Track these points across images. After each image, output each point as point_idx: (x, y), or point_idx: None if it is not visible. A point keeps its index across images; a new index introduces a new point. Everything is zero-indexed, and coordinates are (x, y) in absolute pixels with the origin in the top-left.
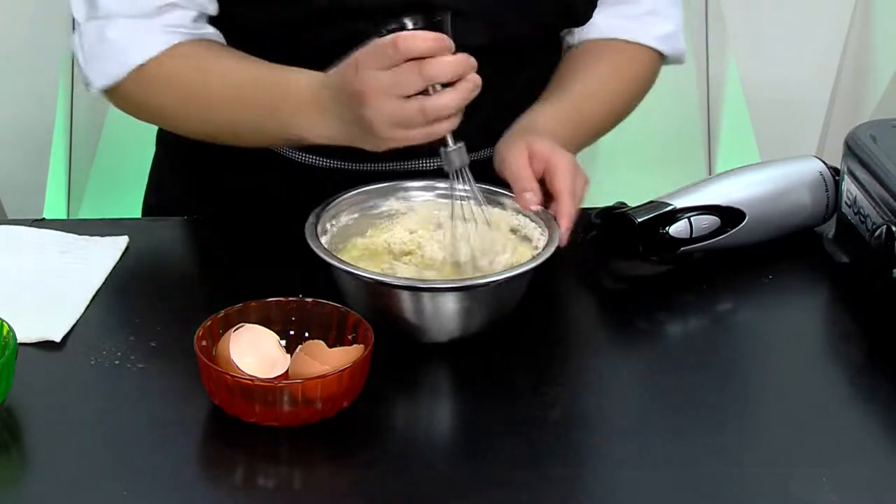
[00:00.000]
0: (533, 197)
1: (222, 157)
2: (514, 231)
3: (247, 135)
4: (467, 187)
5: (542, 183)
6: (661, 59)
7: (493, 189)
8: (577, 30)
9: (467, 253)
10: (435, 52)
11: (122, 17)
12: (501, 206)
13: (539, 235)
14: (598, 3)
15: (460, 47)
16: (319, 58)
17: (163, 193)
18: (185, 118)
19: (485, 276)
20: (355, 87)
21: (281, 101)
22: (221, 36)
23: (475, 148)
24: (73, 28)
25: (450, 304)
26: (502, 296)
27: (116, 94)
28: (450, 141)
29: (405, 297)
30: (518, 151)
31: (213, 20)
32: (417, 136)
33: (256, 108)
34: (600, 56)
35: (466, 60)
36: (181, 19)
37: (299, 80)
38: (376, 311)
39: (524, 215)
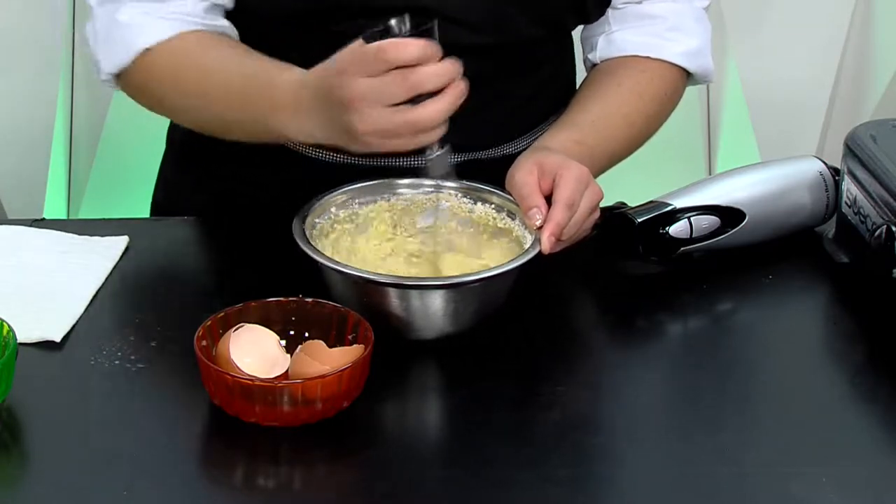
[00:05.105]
0: (536, 213)
1: (231, 158)
2: (500, 229)
3: (235, 130)
4: (454, 184)
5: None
6: (687, 76)
7: (481, 186)
8: (598, 47)
9: (449, 251)
10: (422, 60)
11: (133, 1)
12: (489, 203)
13: (525, 232)
14: (620, 20)
15: (469, 46)
16: (330, 52)
17: (171, 191)
18: (181, 108)
19: (470, 273)
20: (340, 95)
21: (262, 98)
22: (234, 29)
23: (488, 146)
24: (73, 15)
25: (436, 301)
26: (489, 293)
27: (123, 79)
28: (435, 147)
29: (392, 293)
30: (527, 170)
31: (227, 14)
32: (403, 144)
33: (241, 104)
34: (622, 75)
35: (452, 67)
36: (192, 8)
37: (282, 79)
38: (363, 307)
39: (510, 214)
